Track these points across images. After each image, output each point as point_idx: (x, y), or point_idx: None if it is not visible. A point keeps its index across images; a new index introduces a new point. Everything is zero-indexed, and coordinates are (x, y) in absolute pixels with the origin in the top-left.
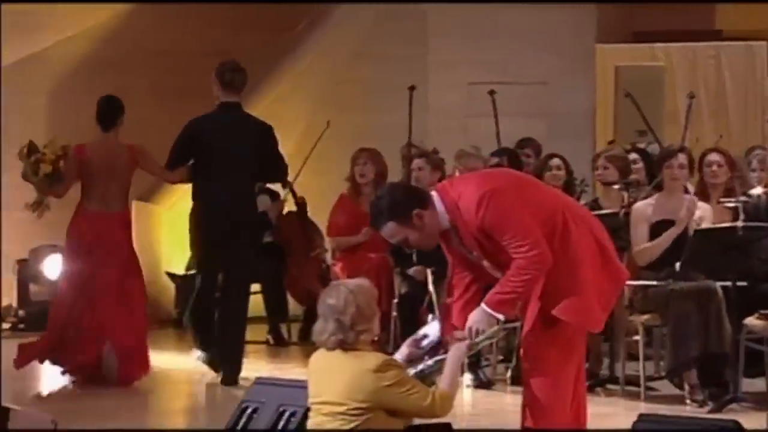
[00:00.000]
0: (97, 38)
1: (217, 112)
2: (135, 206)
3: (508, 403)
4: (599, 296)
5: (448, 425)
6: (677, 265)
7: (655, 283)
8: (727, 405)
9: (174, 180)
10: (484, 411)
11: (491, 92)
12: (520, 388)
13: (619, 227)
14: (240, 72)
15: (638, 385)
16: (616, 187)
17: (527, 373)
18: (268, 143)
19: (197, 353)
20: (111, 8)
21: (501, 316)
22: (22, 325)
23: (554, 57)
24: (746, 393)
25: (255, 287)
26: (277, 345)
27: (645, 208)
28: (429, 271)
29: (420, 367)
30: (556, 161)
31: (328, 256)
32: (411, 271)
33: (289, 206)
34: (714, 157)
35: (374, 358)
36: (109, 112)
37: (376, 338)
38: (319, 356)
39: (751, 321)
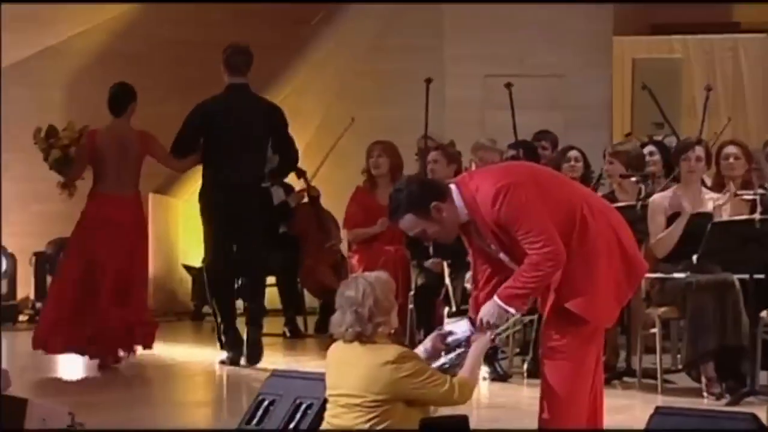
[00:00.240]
0: (113, 31)
1: (225, 94)
2: (152, 199)
3: (524, 396)
4: (617, 290)
5: (464, 418)
6: (695, 257)
7: (672, 275)
8: (744, 398)
9: (179, 168)
10: (500, 404)
11: (508, 85)
12: (536, 381)
13: (636, 220)
14: (243, 53)
15: (655, 378)
16: (633, 179)
17: (546, 365)
18: (277, 124)
19: (223, 354)
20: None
21: (513, 310)
22: (39, 318)
23: (571, 49)
24: (763, 386)
25: (270, 280)
26: (294, 337)
27: (662, 200)
28: (446, 264)
29: (442, 360)
30: (573, 153)
31: (344, 248)
32: (428, 263)
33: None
34: (731, 149)
35: (391, 350)
36: (121, 97)
37: (393, 331)
38: (337, 348)
39: None
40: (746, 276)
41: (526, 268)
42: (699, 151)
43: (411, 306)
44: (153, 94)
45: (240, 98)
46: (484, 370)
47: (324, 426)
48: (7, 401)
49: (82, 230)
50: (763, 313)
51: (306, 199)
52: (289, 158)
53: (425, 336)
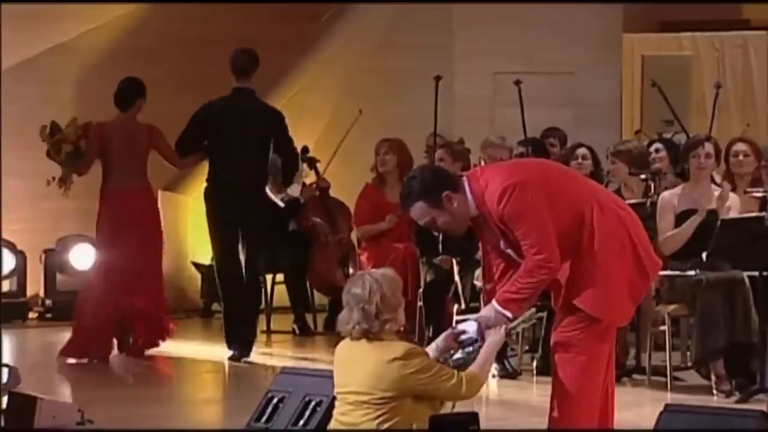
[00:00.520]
0: (124, 28)
1: (229, 96)
2: (161, 196)
3: (534, 393)
4: (630, 288)
5: (474, 415)
6: (704, 255)
7: (682, 273)
8: (754, 395)
9: (181, 165)
10: (510, 401)
11: (517, 82)
12: (546, 378)
13: (645, 217)
14: (245, 54)
15: (665, 376)
16: (642, 177)
17: (557, 362)
18: (278, 129)
19: (231, 352)
20: None
21: (510, 314)
22: (49, 315)
23: (581, 47)
24: None
25: (279, 277)
26: (303, 335)
27: (671, 197)
28: (455, 261)
29: (458, 355)
30: (581, 151)
31: (354, 237)
32: (437, 260)
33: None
34: (740, 146)
35: (399, 347)
36: (128, 92)
37: (401, 328)
38: (345, 346)
39: None
40: (756, 273)
41: (521, 273)
42: (708, 147)
43: (420, 303)
44: (163, 90)
45: (243, 101)
46: (494, 367)
47: (333, 423)
48: (17, 398)
49: (102, 234)
50: None
51: (317, 192)
52: (290, 162)
53: (434, 333)
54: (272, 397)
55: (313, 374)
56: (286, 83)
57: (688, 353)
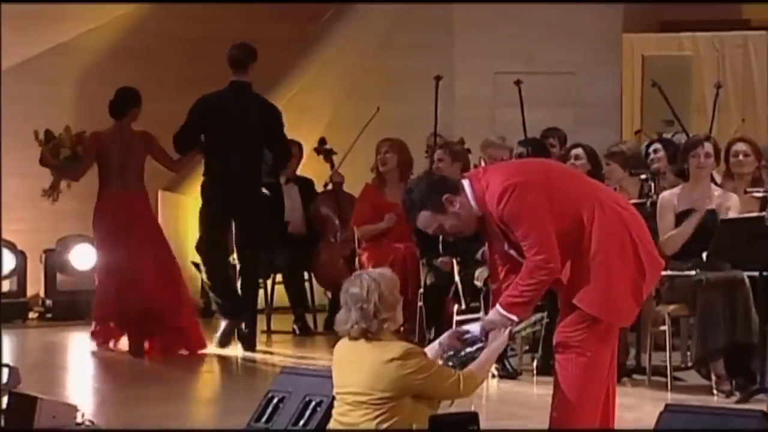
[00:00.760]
0: (124, 28)
1: (225, 89)
2: (161, 196)
3: (534, 394)
4: (633, 288)
5: (474, 414)
6: (704, 255)
7: (682, 273)
8: (754, 395)
9: (177, 169)
10: (510, 401)
11: (518, 82)
12: (546, 379)
13: (645, 217)
14: (241, 47)
15: (665, 376)
16: (642, 177)
17: (559, 362)
18: (273, 123)
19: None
20: None
21: (515, 317)
22: (49, 315)
23: (581, 47)
24: None
25: (278, 278)
26: (303, 335)
27: (671, 197)
28: (455, 261)
29: (460, 353)
30: (575, 151)
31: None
32: (437, 262)
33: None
34: (740, 146)
35: (397, 347)
36: (122, 101)
37: (401, 329)
38: (343, 346)
39: None
40: (756, 273)
41: (522, 275)
42: (708, 147)
43: (420, 304)
44: (163, 90)
45: (239, 95)
46: (494, 367)
47: (332, 424)
48: (17, 398)
49: (100, 233)
50: None
51: (330, 186)
52: (283, 157)
53: (435, 335)
54: (272, 397)
55: (313, 374)
56: (286, 83)
57: (688, 353)
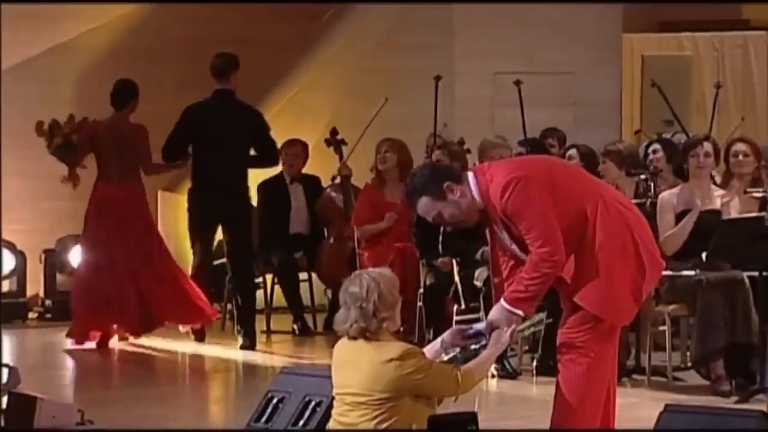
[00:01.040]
0: (123, 28)
1: (209, 99)
2: (161, 196)
3: (534, 394)
4: (633, 288)
5: (474, 414)
6: (704, 255)
7: (682, 273)
8: (753, 395)
9: (150, 171)
10: (509, 401)
11: (518, 82)
12: (545, 379)
13: (645, 217)
14: (222, 57)
15: (665, 376)
16: (642, 176)
17: (562, 364)
18: (258, 127)
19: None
20: None
21: (521, 313)
22: (48, 315)
23: (581, 47)
24: None
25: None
26: (303, 335)
27: (670, 197)
28: (454, 261)
29: (461, 350)
30: (570, 152)
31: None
32: (437, 262)
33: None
34: (740, 146)
35: (395, 348)
36: (122, 92)
37: (401, 329)
38: (342, 346)
39: None
40: (756, 273)
41: (527, 269)
42: (707, 147)
43: (420, 304)
44: (163, 90)
45: (224, 102)
46: (493, 367)
47: (331, 424)
48: (17, 398)
49: (90, 222)
50: None
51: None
52: (270, 160)
53: (435, 335)
54: (272, 397)
55: (313, 374)
56: (286, 83)
57: (688, 353)
